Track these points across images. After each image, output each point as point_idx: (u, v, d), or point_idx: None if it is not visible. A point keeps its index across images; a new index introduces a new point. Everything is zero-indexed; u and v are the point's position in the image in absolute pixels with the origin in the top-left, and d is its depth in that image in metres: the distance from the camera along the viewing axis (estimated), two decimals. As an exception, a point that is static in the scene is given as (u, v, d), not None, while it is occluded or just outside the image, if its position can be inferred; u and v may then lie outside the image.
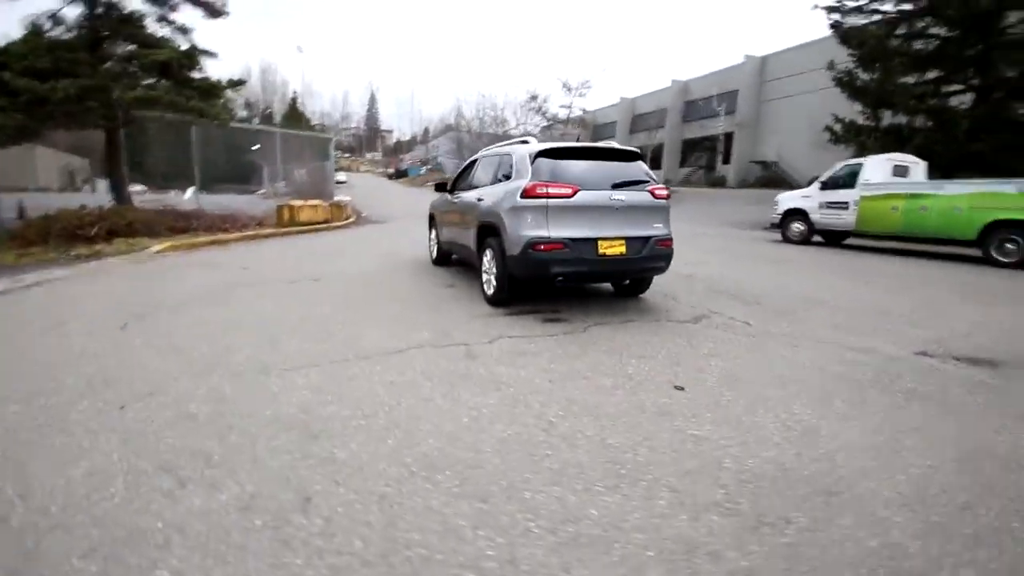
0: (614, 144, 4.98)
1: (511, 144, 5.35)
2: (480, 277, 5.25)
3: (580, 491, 2.03)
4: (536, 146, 4.76)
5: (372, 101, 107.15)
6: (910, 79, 15.81)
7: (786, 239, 12.40)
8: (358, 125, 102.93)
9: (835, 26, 17.36)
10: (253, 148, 19.52)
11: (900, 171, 10.96)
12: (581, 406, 2.81)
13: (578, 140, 31.76)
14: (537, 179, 4.46)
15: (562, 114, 29.28)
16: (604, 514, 1.89)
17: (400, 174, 66.70)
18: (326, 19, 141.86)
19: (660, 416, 2.70)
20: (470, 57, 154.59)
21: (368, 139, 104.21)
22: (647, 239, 4.67)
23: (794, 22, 68.30)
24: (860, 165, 11.06)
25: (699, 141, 38.46)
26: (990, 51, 14.12)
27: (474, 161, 6.30)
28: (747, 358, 3.67)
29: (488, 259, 5.06)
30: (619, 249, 4.51)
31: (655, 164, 41.89)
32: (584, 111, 33.75)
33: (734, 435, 2.51)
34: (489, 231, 5.02)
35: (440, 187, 6.97)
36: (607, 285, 5.85)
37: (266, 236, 11.19)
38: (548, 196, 4.36)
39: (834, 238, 12.03)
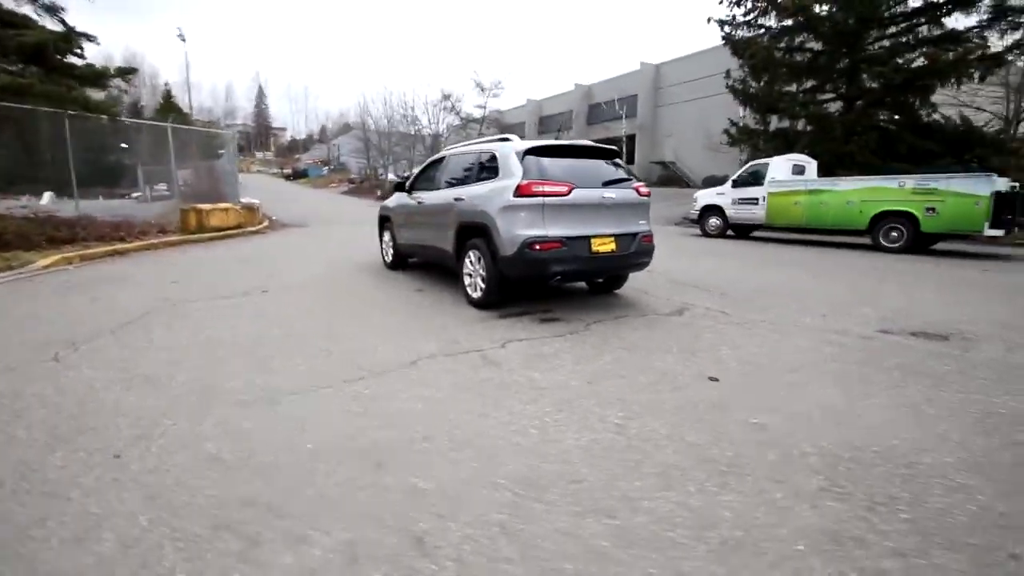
0: (589, 143, 5.01)
1: (488, 142, 5.19)
2: (458, 280, 5.04)
3: (696, 493, 1.99)
4: (524, 143, 4.65)
5: (260, 95, 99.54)
6: (792, 87, 17.78)
7: (704, 233, 13.38)
8: (245, 122, 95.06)
9: (727, 38, 18.99)
10: (123, 146, 17.06)
11: (798, 170, 12.28)
12: (638, 405, 2.77)
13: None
14: (529, 177, 4.36)
15: (476, 114, 29.17)
16: (734, 514, 1.86)
17: (298, 175, 62.70)
18: (202, 5, 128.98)
19: (716, 409, 2.74)
20: (370, 53, 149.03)
21: (258, 137, 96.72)
22: (634, 235, 4.76)
23: (684, 33, 73.90)
24: (766, 165, 12.22)
25: (604, 142, 40.27)
26: (856, 64, 16.27)
27: (439, 160, 6.03)
28: (751, 346, 3.86)
29: (472, 261, 4.87)
30: (610, 246, 4.55)
31: (563, 164, 43.39)
32: (499, 111, 33.95)
33: (788, 421, 2.61)
34: (473, 232, 4.82)
35: (399, 187, 6.59)
36: (582, 283, 5.89)
37: (174, 244, 9.91)
38: (544, 194, 4.28)
39: (743, 231, 13.19)
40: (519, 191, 4.32)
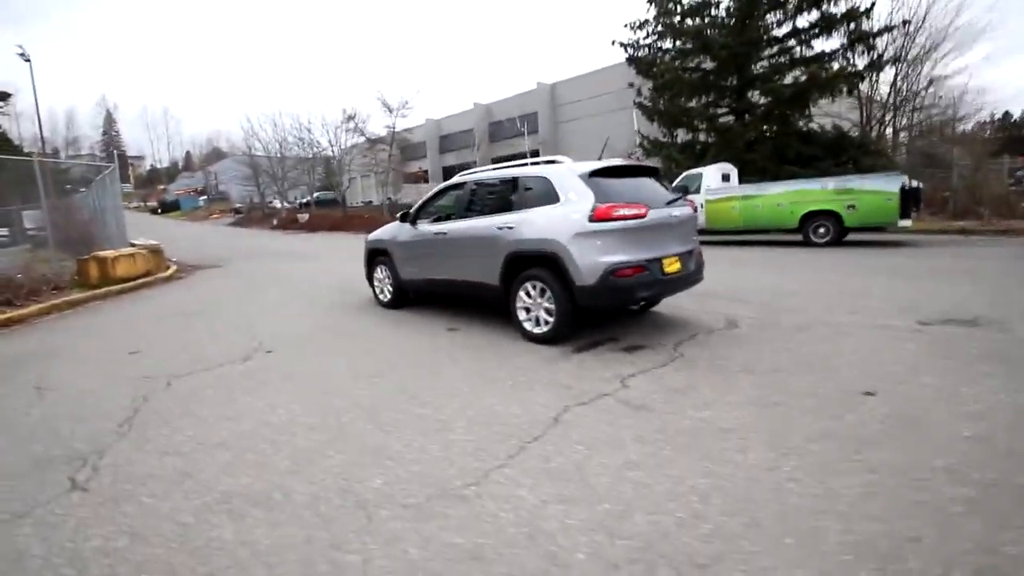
0: (637, 162, 4.87)
1: (531, 165, 4.83)
2: (491, 313, 4.62)
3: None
4: (583, 165, 4.38)
5: (109, 121, 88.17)
6: (693, 103, 19.37)
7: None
8: (92, 150, 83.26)
9: (631, 59, 20.28)
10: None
11: (726, 177, 13.30)
12: (830, 438, 2.59)
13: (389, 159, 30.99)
14: (604, 200, 4.09)
15: (385, 134, 28.04)
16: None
17: (168, 207, 56.25)
18: (29, 21, 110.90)
19: (915, 429, 2.66)
20: (242, 73, 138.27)
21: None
22: (691, 252, 4.68)
23: (577, 52, 77.70)
24: (700, 174, 13.07)
25: (509, 159, 41.01)
26: (745, 82, 18.14)
27: (455, 186, 5.53)
28: (844, 353, 3.90)
29: (531, 294, 4.47)
30: (677, 266, 4.42)
31: (469, 182, 43.45)
32: (408, 131, 33.06)
33: (994, 420, 2.60)
34: (531, 262, 4.44)
35: (404, 217, 5.93)
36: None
37: (80, 303, 8.12)
38: (624, 218, 4.03)
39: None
40: (597, 215, 4.03)
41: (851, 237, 11.34)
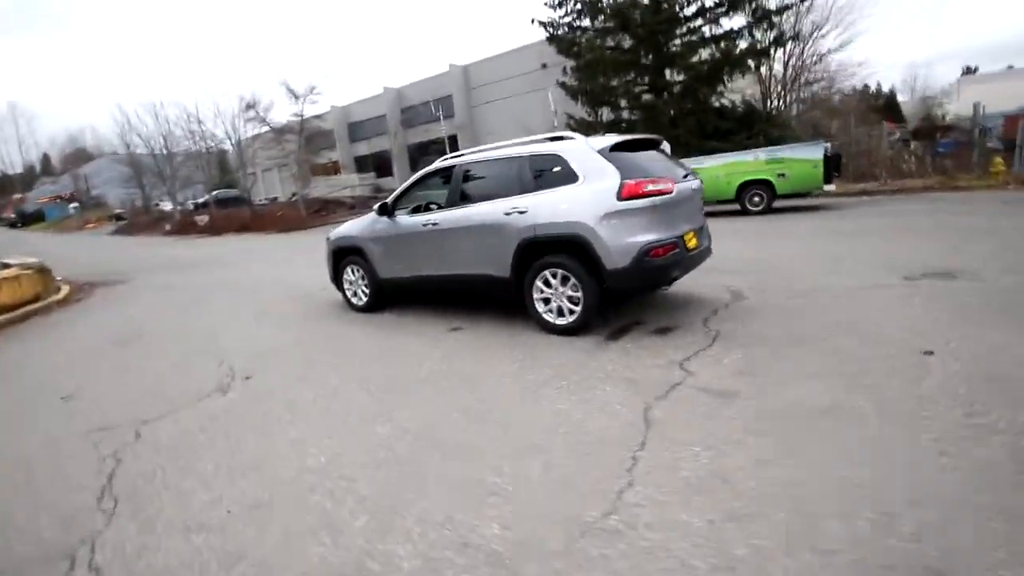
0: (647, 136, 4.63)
1: (539, 142, 4.40)
2: (495, 306, 4.29)
3: None
4: (602, 139, 4.06)
5: (-67, 122, 74.48)
6: (614, 82, 19.67)
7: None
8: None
9: (552, 38, 20.17)
10: None
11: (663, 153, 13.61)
12: (935, 403, 2.55)
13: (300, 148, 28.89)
14: (630, 176, 3.81)
15: (292, 123, 25.80)
16: None
17: (28, 219, 48.79)
18: None
19: (1006, 382, 2.68)
20: (105, 59, 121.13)
21: (-57, 177, 72.14)
22: (703, 226, 4.57)
23: (489, 32, 75.86)
24: (639, 150, 13.25)
25: (426, 145, 39.78)
26: (663, 60, 18.70)
27: (441, 170, 4.99)
28: (863, 316, 3.97)
29: (551, 282, 4.12)
30: (695, 241, 4.28)
31: (385, 171, 41.66)
32: (319, 117, 30.72)
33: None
34: (551, 247, 4.08)
35: (382, 209, 5.26)
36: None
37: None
38: (654, 194, 3.78)
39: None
40: (626, 192, 3.75)
41: (777, 204, 12.08)
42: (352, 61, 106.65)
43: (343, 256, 5.82)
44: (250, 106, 24.96)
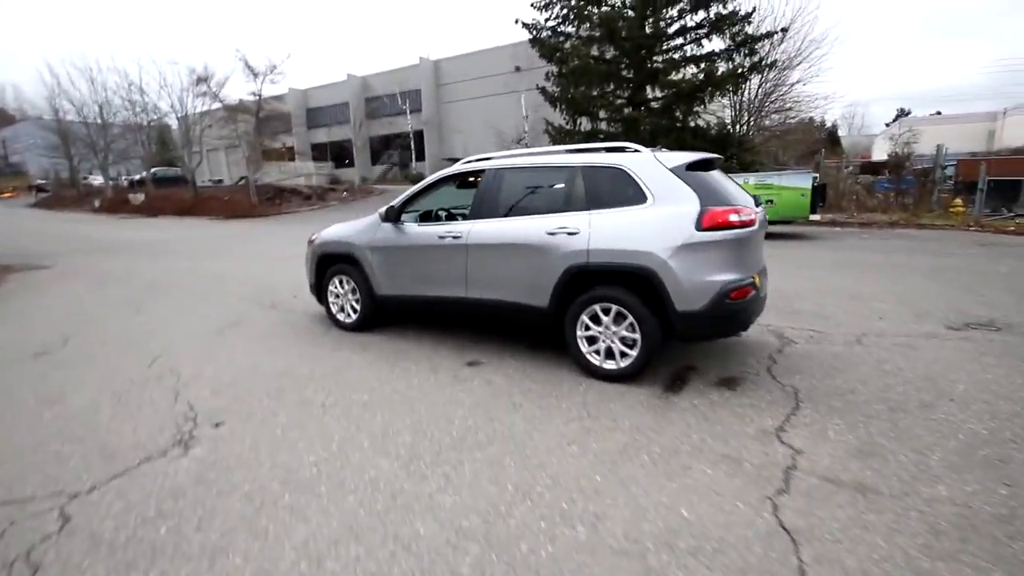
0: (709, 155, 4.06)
1: (595, 152, 3.74)
2: (516, 340, 3.64)
3: None
4: (676, 156, 3.44)
5: None
6: (595, 92, 19.38)
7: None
8: None
9: (536, 42, 19.63)
10: None
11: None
12: None
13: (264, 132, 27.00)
14: (711, 201, 3.23)
15: (247, 102, 23.86)
16: None
17: (-72, 181, 43.36)
18: None
19: None
20: (31, 8, 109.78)
21: None
22: (764, 267, 4.05)
23: (461, 27, 73.96)
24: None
25: (391, 138, 38.36)
26: (646, 76, 18.57)
27: (467, 175, 4.24)
28: (940, 371, 3.58)
29: (603, 319, 3.47)
30: (758, 280, 3.75)
31: (344, 161, 39.80)
32: (278, 98, 28.66)
33: None
34: (608, 278, 3.43)
35: (388, 215, 4.42)
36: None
37: None
38: (739, 225, 3.21)
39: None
40: (707, 222, 3.15)
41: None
42: (314, 44, 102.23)
43: (331, 264, 4.94)
44: (202, 80, 22.95)
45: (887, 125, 54.26)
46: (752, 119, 26.68)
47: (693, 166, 3.41)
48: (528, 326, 4.03)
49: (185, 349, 4.59)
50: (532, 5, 18.99)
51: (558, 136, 19.74)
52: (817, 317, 5.05)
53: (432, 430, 2.95)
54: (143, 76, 31.65)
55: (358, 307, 4.81)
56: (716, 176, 3.53)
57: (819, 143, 34.55)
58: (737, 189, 3.65)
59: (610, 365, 3.51)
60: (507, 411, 3.17)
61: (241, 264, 9.41)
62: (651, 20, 18.09)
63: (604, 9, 18.35)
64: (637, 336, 3.37)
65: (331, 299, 5.00)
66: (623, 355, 3.47)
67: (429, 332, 4.76)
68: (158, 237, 14.76)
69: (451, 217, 4.91)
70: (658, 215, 3.27)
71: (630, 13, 18.20)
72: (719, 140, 19.00)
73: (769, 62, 19.06)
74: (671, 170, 3.34)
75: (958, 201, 14.56)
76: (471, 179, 4.55)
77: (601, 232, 3.40)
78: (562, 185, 3.70)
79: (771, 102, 26.24)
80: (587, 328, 3.57)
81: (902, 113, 57.04)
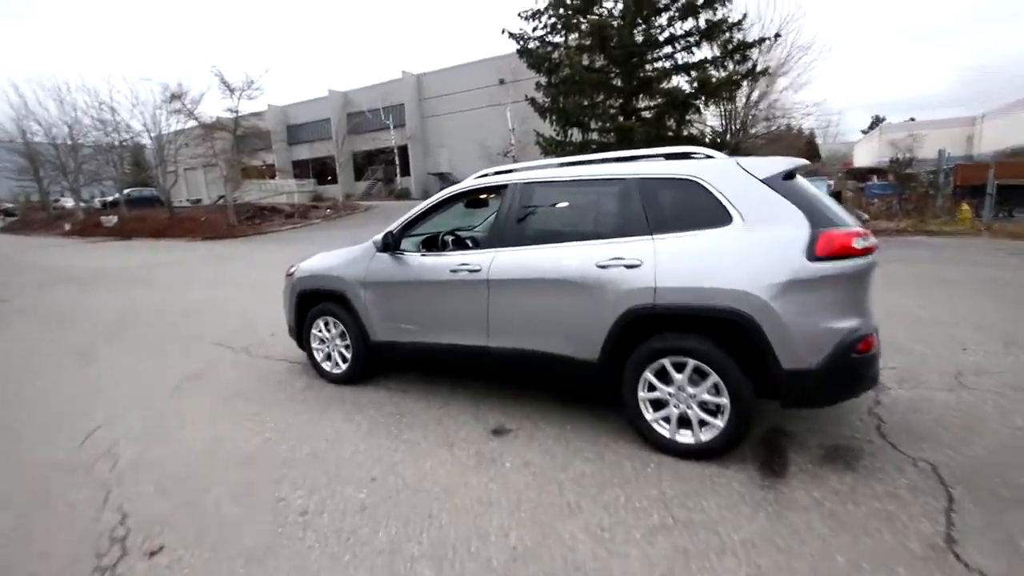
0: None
1: (655, 159, 2.96)
2: (560, 402, 2.80)
3: None
4: (765, 163, 2.65)
5: None
6: (585, 102, 18.80)
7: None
8: None
9: (523, 51, 19.05)
10: None
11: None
12: None
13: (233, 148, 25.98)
14: (823, 222, 2.43)
15: (224, 120, 22.81)
16: None
17: None
18: None
19: None
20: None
21: None
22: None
23: (444, 42, 73.92)
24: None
25: (374, 154, 37.58)
26: (639, 84, 18.06)
27: (483, 192, 3.41)
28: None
29: (675, 377, 2.65)
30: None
31: (327, 178, 38.80)
32: (257, 115, 27.59)
33: None
34: (680, 324, 2.61)
35: (385, 243, 3.56)
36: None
37: None
38: (860, 252, 2.41)
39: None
40: (822, 248, 2.36)
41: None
42: (294, 61, 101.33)
43: (315, 303, 4.05)
44: (175, 96, 21.86)
45: (864, 132, 55.02)
46: (742, 127, 26.46)
47: (791, 175, 2.61)
48: (569, 384, 3.20)
49: (131, 416, 3.65)
50: (519, 15, 18.42)
51: (549, 147, 19.10)
52: (891, 348, 4.26)
53: (462, 556, 2.08)
54: (114, 95, 30.31)
55: (348, 355, 3.93)
56: (809, 186, 2.74)
57: (802, 151, 34.67)
58: (834, 202, 2.87)
59: (685, 438, 2.68)
60: (562, 516, 2.31)
61: (213, 294, 8.43)
62: (642, 27, 17.61)
63: (593, 16, 17.84)
64: (724, 401, 2.55)
65: (315, 345, 4.10)
66: (702, 424, 2.64)
67: (436, 383, 3.89)
68: (128, 263, 13.64)
69: (460, 243, 4.07)
70: (752, 241, 2.47)
71: (620, 22, 17.72)
72: (714, 148, 18.47)
73: (761, 69, 18.74)
74: (764, 181, 2.55)
75: (965, 207, 14.12)
76: (483, 196, 3.72)
77: (672, 264, 2.58)
78: (613, 203, 2.88)
79: (759, 110, 26.04)
80: (651, 388, 2.74)
81: (877, 120, 57.84)
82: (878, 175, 25.27)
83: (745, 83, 18.56)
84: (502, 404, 3.48)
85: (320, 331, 4.05)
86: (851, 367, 2.40)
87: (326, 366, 4.07)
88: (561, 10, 18.04)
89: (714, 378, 2.55)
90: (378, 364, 4.00)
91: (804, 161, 2.76)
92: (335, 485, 2.64)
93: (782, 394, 2.49)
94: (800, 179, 2.65)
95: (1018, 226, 12.84)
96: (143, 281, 10.35)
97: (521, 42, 19.12)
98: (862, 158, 42.96)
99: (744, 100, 24.67)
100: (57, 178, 30.40)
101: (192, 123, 23.02)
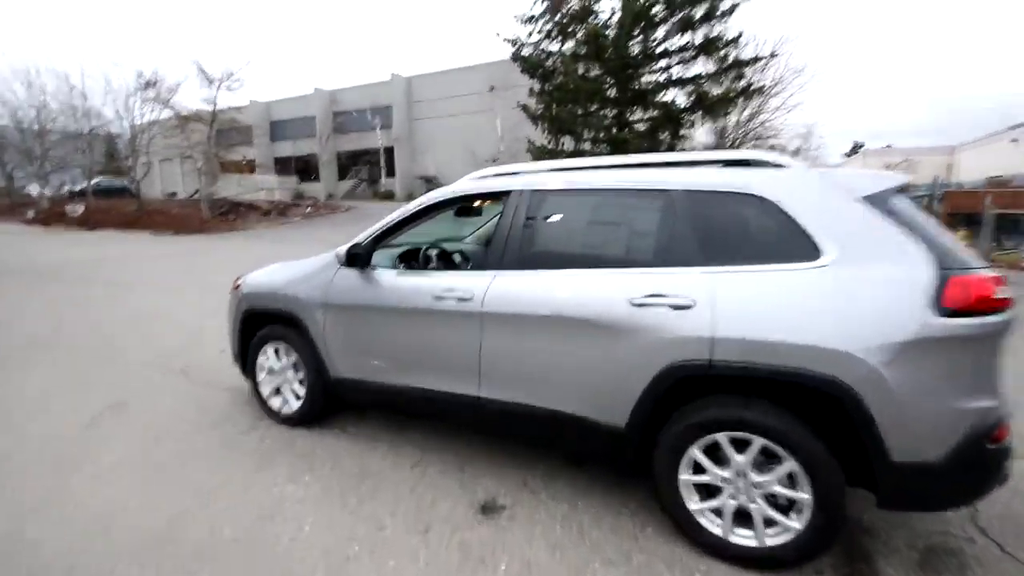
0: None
1: (705, 164, 2.29)
2: (572, 471, 2.17)
3: None
4: (859, 176, 1.99)
5: None
6: (579, 111, 18.30)
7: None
8: None
9: (517, 56, 18.50)
10: None
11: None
12: None
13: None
14: (952, 262, 1.78)
15: (201, 110, 21.74)
16: None
17: None
18: None
19: None
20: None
21: None
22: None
23: (435, 46, 73.23)
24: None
25: (360, 154, 36.64)
26: (634, 96, 17.62)
27: (479, 199, 2.70)
28: None
29: (733, 459, 1.96)
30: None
31: (309, 175, 37.66)
32: (237, 109, 26.44)
33: None
34: (743, 386, 1.93)
35: (352, 257, 2.81)
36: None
37: None
38: (1000, 306, 1.76)
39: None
40: (954, 298, 1.70)
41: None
42: (280, 59, 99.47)
43: (261, 325, 3.27)
44: (150, 84, 20.76)
45: (846, 156, 55.84)
46: (733, 144, 26.28)
47: (897, 191, 1.96)
48: (584, 453, 2.50)
49: (26, 464, 2.83)
50: (515, 18, 17.88)
51: (540, 156, 18.51)
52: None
53: None
54: (86, 79, 28.66)
55: (302, 391, 3.16)
56: (920, 212, 2.09)
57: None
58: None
59: (744, 539, 1.99)
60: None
61: (166, 296, 7.53)
62: (639, 37, 17.18)
63: (590, 25, 17.37)
64: (804, 496, 1.87)
65: (261, 376, 3.32)
66: (768, 523, 1.95)
67: (410, 430, 3.15)
68: (85, 257, 12.55)
69: (446, 258, 3.35)
70: (852, 284, 1.80)
71: (607, 32, 17.26)
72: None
73: (758, 87, 18.47)
74: (862, 202, 1.89)
75: (964, 233, 13.88)
76: (475, 203, 3.02)
77: (738, 308, 1.90)
78: (653, 220, 2.19)
79: (752, 129, 25.91)
80: (698, 469, 2.05)
81: (857, 146, 58.80)
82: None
83: (740, 100, 18.21)
84: (494, 464, 2.76)
85: (269, 359, 3.27)
86: (983, 461, 1.74)
87: (274, 403, 3.29)
88: (558, 16, 17.53)
89: (790, 464, 1.87)
90: (339, 403, 3.24)
91: (908, 177, 2.11)
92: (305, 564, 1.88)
93: (885, 493, 1.81)
94: (908, 200, 1.99)
95: (1013, 256, 12.62)
96: (93, 278, 9.36)
97: (516, 47, 18.58)
98: (846, 182, 43.39)
99: (736, 118, 24.55)
100: (22, 163, 28.79)
101: (168, 113, 21.86)
